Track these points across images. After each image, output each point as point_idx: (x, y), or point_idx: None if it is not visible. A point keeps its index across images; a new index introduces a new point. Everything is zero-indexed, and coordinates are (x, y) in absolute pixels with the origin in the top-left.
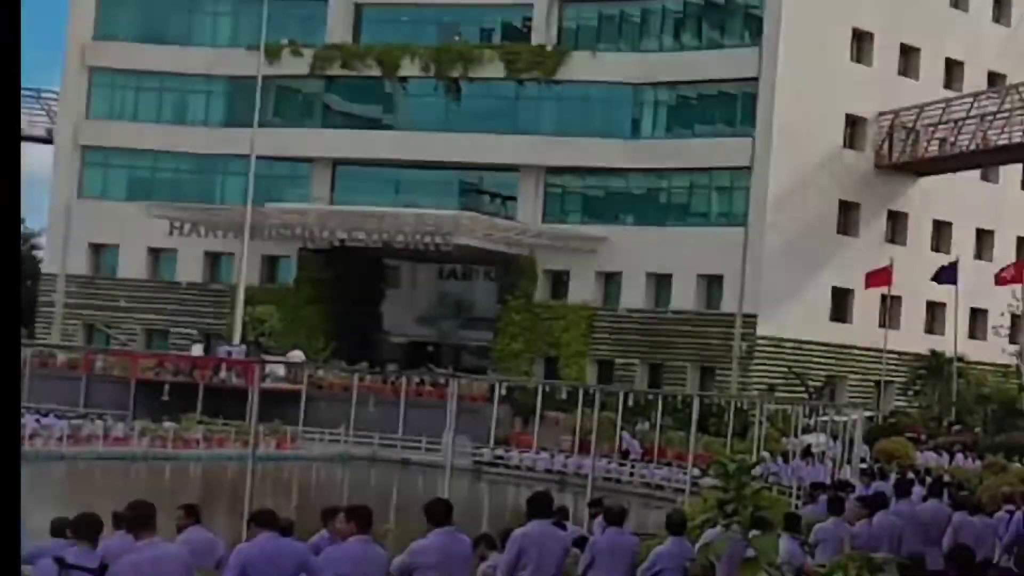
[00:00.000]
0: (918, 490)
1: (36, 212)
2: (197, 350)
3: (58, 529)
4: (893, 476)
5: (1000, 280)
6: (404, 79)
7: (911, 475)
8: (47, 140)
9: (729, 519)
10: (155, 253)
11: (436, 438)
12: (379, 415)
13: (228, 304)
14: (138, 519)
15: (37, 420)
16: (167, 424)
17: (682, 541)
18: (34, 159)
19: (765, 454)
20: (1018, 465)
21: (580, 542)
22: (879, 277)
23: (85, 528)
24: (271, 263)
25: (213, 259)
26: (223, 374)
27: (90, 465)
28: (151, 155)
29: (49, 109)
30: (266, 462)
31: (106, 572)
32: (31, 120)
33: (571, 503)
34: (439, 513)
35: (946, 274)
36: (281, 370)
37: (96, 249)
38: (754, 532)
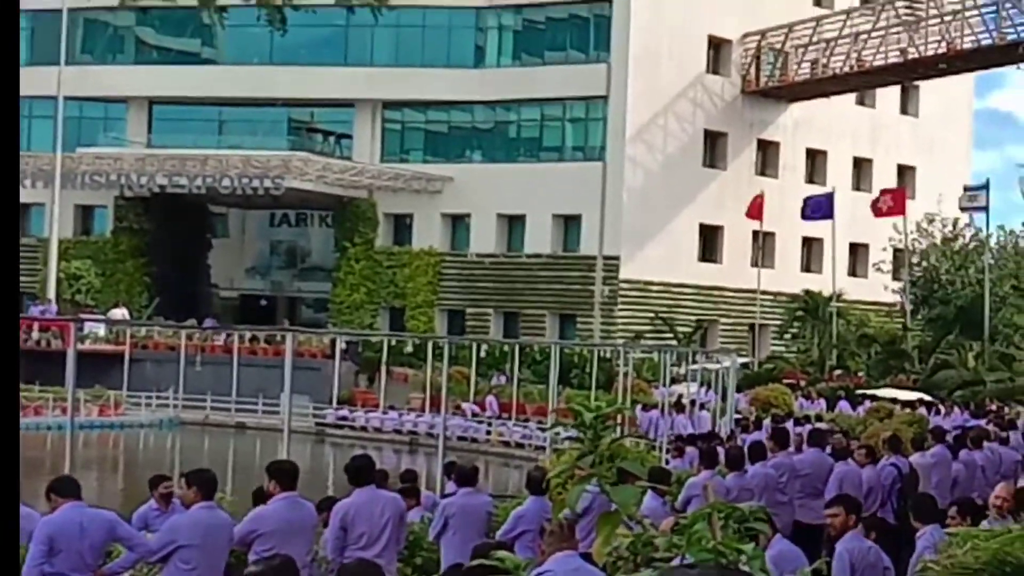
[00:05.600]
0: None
1: None
2: None
3: None
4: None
5: (877, 211)
6: (223, 8)
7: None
8: None
9: (588, 474)
10: None
11: (273, 400)
12: (211, 376)
13: (40, 260)
14: None
15: None
16: None
17: (543, 501)
18: None
19: (627, 407)
20: (907, 411)
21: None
22: (755, 208)
23: None
24: (85, 213)
25: (22, 211)
26: (37, 335)
27: None
28: None
29: None
30: (89, 430)
31: None
32: None
33: (424, 465)
34: (285, 476)
35: (818, 207)
36: (101, 330)
37: None
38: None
